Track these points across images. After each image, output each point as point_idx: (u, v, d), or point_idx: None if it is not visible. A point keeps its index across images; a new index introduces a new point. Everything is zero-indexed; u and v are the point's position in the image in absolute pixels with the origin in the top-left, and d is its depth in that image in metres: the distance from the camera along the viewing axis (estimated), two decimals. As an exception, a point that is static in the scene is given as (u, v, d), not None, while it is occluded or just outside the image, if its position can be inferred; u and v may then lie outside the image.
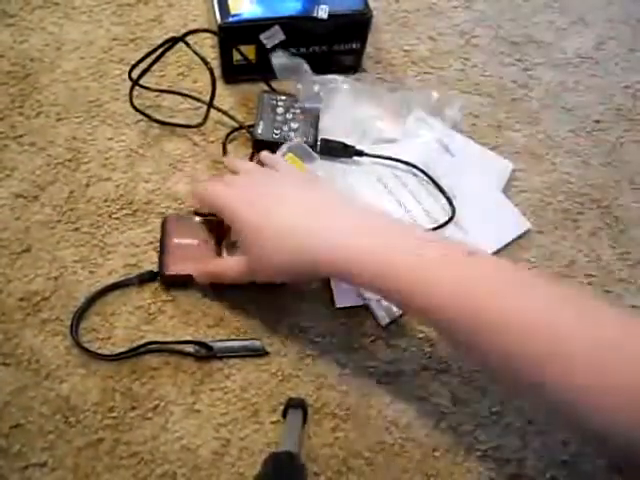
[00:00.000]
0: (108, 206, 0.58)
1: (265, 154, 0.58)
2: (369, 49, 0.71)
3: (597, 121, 0.71)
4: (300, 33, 0.65)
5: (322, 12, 0.64)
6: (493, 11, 0.79)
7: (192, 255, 0.54)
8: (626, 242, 0.62)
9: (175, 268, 0.54)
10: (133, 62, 0.63)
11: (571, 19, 0.80)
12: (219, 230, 0.56)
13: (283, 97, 0.64)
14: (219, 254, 0.55)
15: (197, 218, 0.57)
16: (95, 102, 0.65)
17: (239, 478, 0.47)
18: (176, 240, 0.55)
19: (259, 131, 0.62)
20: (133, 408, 0.49)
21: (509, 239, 0.60)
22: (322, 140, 0.62)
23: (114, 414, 0.48)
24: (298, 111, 0.63)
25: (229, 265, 0.52)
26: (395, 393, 0.51)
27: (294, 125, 0.62)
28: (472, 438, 0.50)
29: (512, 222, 0.62)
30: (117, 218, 0.58)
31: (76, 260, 0.55)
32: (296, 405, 0.49)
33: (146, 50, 0.63)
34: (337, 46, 0.68)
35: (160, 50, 0.62)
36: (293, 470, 0.43)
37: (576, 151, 0.68)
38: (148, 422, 0.48)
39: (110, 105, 0.65)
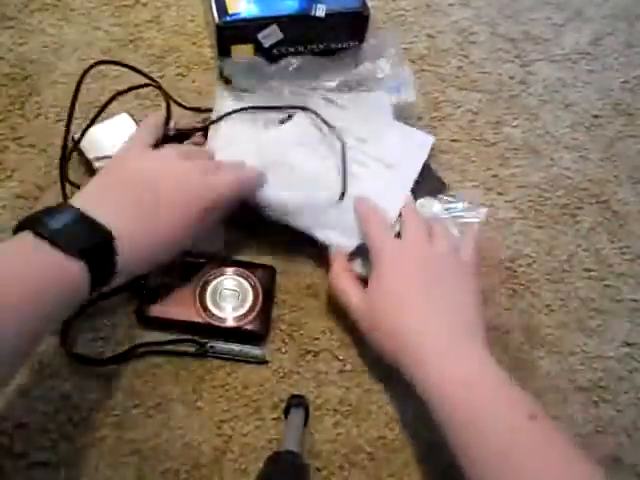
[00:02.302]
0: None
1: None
2: (367, 47, 0.71)
3: (595, 116, 0.71)
4: (298, 32, 0.65)
5: (320, 11, 0.64)
6: (490, 8, 0.79)
7: (172, 297, 0.52)
8: (625, 236, 0.62)
9: (155, 310, 0.52)
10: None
11: (568, 15, 0.80)
12: (202, 273, 0.54)
13: None
14: (195, 299, 0.52)
15: (187, 258, 0.54)
16: (94, 103, 0.65)
17: (241, 475, 0.47)
18: (160, 280, 0.53)
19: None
20: (135, 406, 0.49)
21: (422, 160, 0.61)
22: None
23: (116, 412, 0.49)
24: None
25: (353, 299, 0.52)
26: (396, 389, 0.51)
27: None
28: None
29: (418, 144, 0.62)
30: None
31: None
32: (297, 404, 0.49)
33: (146, 51, 0.64)
34: (335, 45, 0.68)
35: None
36: (295, 469, 0.43)
37: (575, 146, 0.68)
38: (150, 420, 0.49)
39: (109, 106, 0.65)
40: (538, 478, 0.39)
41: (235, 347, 0.52)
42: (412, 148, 0.62)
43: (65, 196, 0.57)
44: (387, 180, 0.59)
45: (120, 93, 0.60)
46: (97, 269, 0.41)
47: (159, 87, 0.60)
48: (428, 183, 0.61)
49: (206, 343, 0.51)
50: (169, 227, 0.48)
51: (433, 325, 0.47)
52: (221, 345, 0.51)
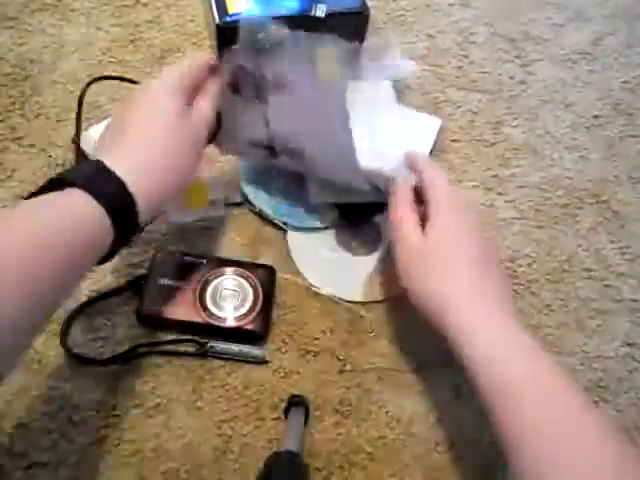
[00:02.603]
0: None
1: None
2: (367, 47, 0.71)
3: (596, 116, 0.71)
4: (298, 32, 0.65)
5: (320, 11, 0.65)
6: (490, 8, 0.79)
7: (172, 298, 0.52)
8: (625, 236, 0.62)
9: (155, 310, 0.52)
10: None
11: (568, 15, 0.80)
12: (202, 273, 0.54)
13: None
14: (195, 299, 0.52)
15: (186, 257, 0.55)
16: (94, 103, 0.65)
17: (241, 475, 0.47)
18: (160, 280, 0.53)
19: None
20: (135, 406, 0.49)
21: (431, 143, 0.64)
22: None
23: (116, 412, 0.49)
24: None
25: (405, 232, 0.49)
26: (396, 388, 0.52)
27: None
28: (474, 433, 0.50)
29: (426, 126, 0.64)
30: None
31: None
32: (298, 404, 0.49)
33: (146, 51, 0.64)
34: (335, 45, 0.68)
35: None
36: (295, 469, 0.43)
37: (575, 146, 0.68)
38: (150, 420, 0.49)
39: (109, 106, 0.65)
40: (573, 451, 0.38)
41: (235, 347, 0.52)
42: (420, 131, 0.64)
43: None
44: (398, 165, 0.60)
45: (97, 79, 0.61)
46: (121, 220, 0.42)
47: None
48: None
49: (206, 343, 0.51)
50: (173, 156, 0.47)
51: (480, 294, 0.46)
52: (221, 345, 0.51)
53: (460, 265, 0.47)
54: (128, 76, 0.65)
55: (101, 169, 0.42)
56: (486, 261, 0.48)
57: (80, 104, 0.61)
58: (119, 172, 0.42)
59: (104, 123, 0.60)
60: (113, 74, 0.67)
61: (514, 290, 0.58)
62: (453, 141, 0.67)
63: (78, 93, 0.61)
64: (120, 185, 0.42)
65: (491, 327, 0.44)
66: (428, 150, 0.64)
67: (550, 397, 0.40)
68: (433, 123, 0.66)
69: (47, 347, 0.51)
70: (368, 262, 0.58)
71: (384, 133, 0.62)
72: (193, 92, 0.50)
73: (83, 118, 0.64)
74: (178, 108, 0.47)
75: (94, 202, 0.40)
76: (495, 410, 0.41)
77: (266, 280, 0.54)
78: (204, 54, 0.54)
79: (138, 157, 0.44)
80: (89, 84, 0.61)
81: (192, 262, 0.54)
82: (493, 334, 0.43)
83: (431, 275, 0.47)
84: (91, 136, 0.60)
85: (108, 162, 0.42)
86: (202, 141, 0.50)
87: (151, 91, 0.48)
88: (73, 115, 0.64)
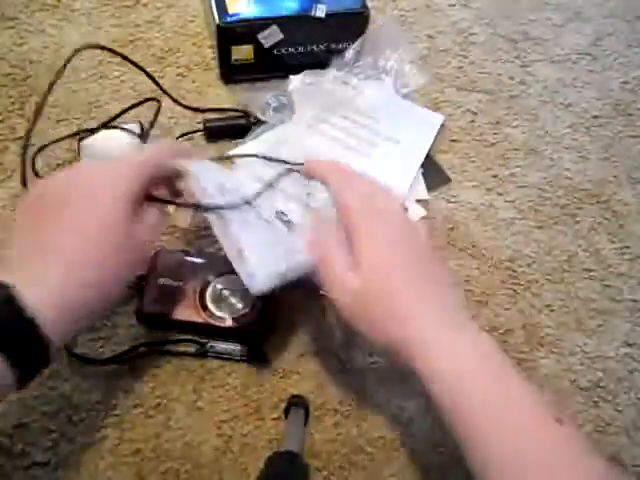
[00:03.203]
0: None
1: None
2: (367, 48, 0.71)
3: (595, 117, 0.71)
4: (298, 32, 0.66)
5: (320, 11, 0.65)
6: (490, 8, 0.79)
7: (172, 297, 0.52)
8: (625, 237, 0.62)
9: (155, 310, 0.51)
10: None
11: (568, 15, 0.80)
12: (202, 273, 0.54)
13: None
14: (195, 299, 0.52)
15: (187, 257, 0.55)
16: (94, 103, 0.65)
17: (241, 474, 0.47)
18: (161, 280, 0.53)
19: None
20: (135, 406, 0.49)
21: (432, 137, 0.65)
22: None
23: (117, 412, 0.49)
24: None
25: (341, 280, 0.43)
26: (396, 388, 0.51)
27: None
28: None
29: (428, 122, 0.66)
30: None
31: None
32: (298, 404, 0.49)
33: (146, 51, 0.64)
34: (335, 45, 0.68)
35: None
36: (296, 470, 0.43)
37: (575, 147, 0.68)
38: (150, 420, 0.49)
39: (110, 106, 0.65)
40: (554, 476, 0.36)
41: (235, 347, 0.52)
42: (422, 126, 0.66)
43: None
44: (397, 158, 0.62)
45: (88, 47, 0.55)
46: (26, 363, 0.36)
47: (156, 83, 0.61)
48: (434, 176, 0.63)
49: (206, 343, 0.51)
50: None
51: (423, 310, 0.42)
52: (221, 345, 0.51)
53: (401, 289, 0.42)
54: (128, 77, 0.65)
55: (7, 302, 0.34)
56: (422, 260, 0.44)
57: (64, 67, 0.54)
58: (32, 298, 0.35)
59: (102, 133, 0.60)
60: (113, 74, 0.67)
61: (514, 290, 0.58)
62: (453, 141, 0.67)
63: (79, 93, 0.61)
64: (29, 327, 0.35)
65: (448, 339, 0.41)
66: (428, 146, 0.64)
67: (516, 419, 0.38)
68: (435, 119, 0.67)
69: (47, 347, 0.51)
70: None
71: (386, 126, 0.64)
72: (144, 196, 0.44)
73: (83, 119, 0.64)
74: (120, 217, 0.40)
75: None
76: (458, 430, 0.38)
77: None
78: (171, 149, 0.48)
79: (59, 274, 0.37)
80: (77, 51, 0.54)
81: (192, 262, 0.54)
82: (451, 346, 0.40)
83: (369, 309, 0.42)
84: (90, 146, 0.59)
85: (19, 283, 0.35)
86: (140, 255, 0.44)
87: (88, 190, 0.40)
88: (73, 115, 0.64)
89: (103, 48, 0.57)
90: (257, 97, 0.65)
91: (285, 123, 0.64)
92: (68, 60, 0.53)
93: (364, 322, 0.43)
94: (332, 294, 0.44)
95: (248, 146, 0.62)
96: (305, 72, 0.66)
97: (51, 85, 0.51)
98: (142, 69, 0.60)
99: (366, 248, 0.43)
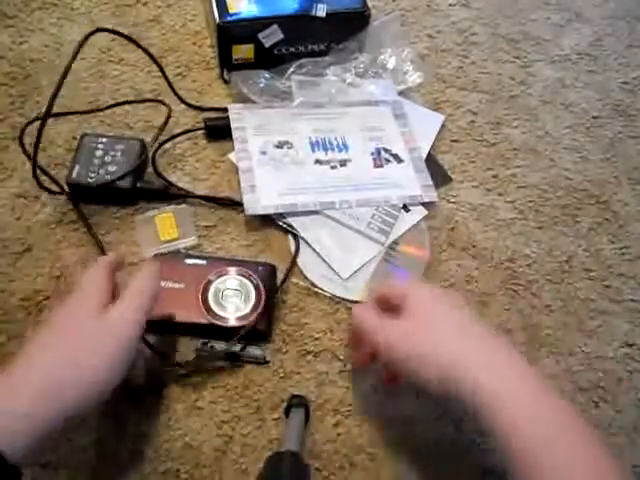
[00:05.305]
0: (107, 206, 0.59)
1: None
2: (367, 47, 0.71)
3: (595, 117, 0.71)
4: (298, 32, 0.66)
5: (320, 11, 0.64)
6: (491, 9, 0.79)
7: (175, 300, 0.52)
8: (625, 237, 0.62)
9: (155, 312, 0.47)
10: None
11: (568, 16, 0.80)
12: (204, 274, 0.54)
13: (104, 139, 0.60)
14: (198, 301, 0.52)
15: (188, 260, 0.55)
16: (94, 102, 0.65)
17: (241, 475, 0.47)
18: (162, 283, 0.51)
19: (74, 175, 0.57)
20: (136, 406, 0.49)
21: (433, 137, 0.66)
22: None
23: (117, 412, 0.49)
24: (118, 153, 0.59)
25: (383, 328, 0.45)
26: (396, 388, 0.51)
27: (111, 168, 0.58)
28: (474, 433, 0.50)
29: (428, 121, 0.67)
30: (117, 218, 0.58)
31: (76, 260, 0.55)
32: (298, 404, 0.49)
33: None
34: (335, 45, 0.68)
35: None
36: (296, 470, 0.43)
37: (575, 147, 0.68)
38: (151, 420, 0.49)
39: (109, 111, 0.65)
40: None
41: (236, 347, 0.52)
42: (423, 126, 0.66)
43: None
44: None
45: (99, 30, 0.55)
46: None
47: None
48: (435, 176, 0.64)
49: (206, 343, 0.51)
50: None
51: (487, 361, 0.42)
52: (221, 345, 0.51)
53: (452, 329, 0.44)
54: (128, 76, 0.64)
55: None
56: (472, 323, 0.45)
57: (74, 57, 0.53)
58: (3, 421, 0.34)
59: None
60: (113, 73, 0.67)
61: (514, 290, 0.58)
62: (453, 141, 0.67)
63: (79, 91, 0.61)
64: None
65: (520, 390, 0.40)
66: (429, 145, 0.65)
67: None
68: (436, 118, 0.67)
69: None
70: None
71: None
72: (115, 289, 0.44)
73: (83, 118, 0.64)
74: (92, 312, 0.40)
75: None
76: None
77: (268, 278, 0.54)
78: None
79: (30, 388, 0.37)
80: (88, 36, 0.53)
81: (194, 263, 0.54)
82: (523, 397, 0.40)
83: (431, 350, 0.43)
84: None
85: None
86: (126, 347, 0.41)
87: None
88: (73, 115, 0.64)
89: (114, 32, 0.57)
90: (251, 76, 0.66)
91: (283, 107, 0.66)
92: (80, 45, 0.52)
93: (413, 359, 0.43)
94: (376, 337, 0.45)
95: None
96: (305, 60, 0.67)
97: (66, 70, 0.52)
98: (151, 56, 0.60)
99: (415, 304, 0.46)
